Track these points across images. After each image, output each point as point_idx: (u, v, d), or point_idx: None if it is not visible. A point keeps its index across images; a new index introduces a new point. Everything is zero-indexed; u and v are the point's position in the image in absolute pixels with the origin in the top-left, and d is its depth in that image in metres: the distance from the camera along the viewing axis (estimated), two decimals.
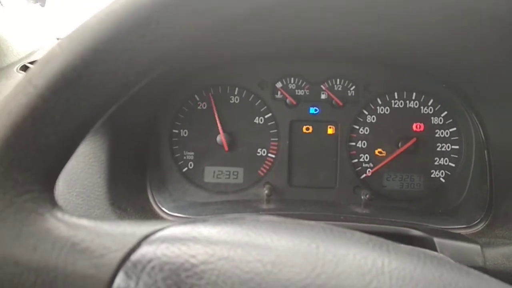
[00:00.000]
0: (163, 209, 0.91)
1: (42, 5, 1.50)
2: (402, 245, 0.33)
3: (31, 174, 0.32)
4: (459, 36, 0.76)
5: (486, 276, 0.32)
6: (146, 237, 0.31)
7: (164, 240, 0.31)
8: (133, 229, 0.32)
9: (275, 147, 1.03)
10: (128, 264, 0.29)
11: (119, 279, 0.29)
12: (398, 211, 0.97)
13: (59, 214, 0.32)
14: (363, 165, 1.02)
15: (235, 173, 1.03)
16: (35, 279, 0.29)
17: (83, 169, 0.79)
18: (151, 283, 0.28)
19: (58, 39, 1.38)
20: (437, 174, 1.01)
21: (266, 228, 0.33)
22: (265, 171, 1.03)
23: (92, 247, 0.30)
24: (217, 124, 1.01)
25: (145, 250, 0.30)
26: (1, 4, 1.10)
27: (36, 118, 0.32)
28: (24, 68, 1.10)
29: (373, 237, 0.33)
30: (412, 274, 0.29)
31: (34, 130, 0.32)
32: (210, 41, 0.74)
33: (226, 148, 1.01)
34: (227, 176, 1.03)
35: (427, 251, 0.61)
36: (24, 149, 0.32)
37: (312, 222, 0.35)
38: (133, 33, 0.33)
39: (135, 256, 0.29)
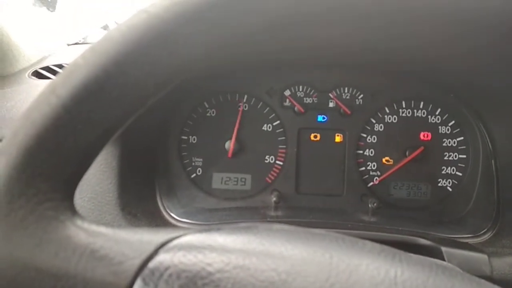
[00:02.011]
0: (172, 214, 0.91)
1: (52, 10, 1.52)
2: (414, 255, 0.34)
3: (53, 182, 0.33)
4: (469, 49, 0.77)
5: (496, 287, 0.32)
6: (163, 244, 0.32)
7: (181, 248, 0.31)
8: (150, 237, 0.32)
9: (283, 155, 1.04)
10: (146, 271, 0.30)
11: (137, 286, 0.29)
12: (405, 219, 0.97)
13: (79, 222, 0.33)
14: (371, 173, 1.03)
15: (243, 180, 1.04)
16: (55, 285, 0.30)
17: (95, 175, 0.80)
18: None
19: (68, 44, 1.40)
20: (444, 183, 1.02)
21: (279, 237, 0.33)
22: (273, 178, 1.04)
23: (111, 254, 0.31)
24: (231, 131, 1.02)
25: (163, 258, 0.31)
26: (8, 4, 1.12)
27: (59, 128, 0.33)
28: (36, 73, 1.12)
29: (385, 247, 0.34)
30: (425, 285, 0.29)
31: (56, 140, 0.33)
32: (225, 53, 0.75)
33: (230, 154, 1.01)
34: (235, 183, 1.04)
35: (438, 261, 0.61)
36: (46, 158, 0.33)
37: (323, 231, 0.35)
38: (154, 46, 0.34)
39: (152, 264, 0.30)
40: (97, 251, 0.31)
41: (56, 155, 0.33)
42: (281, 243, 0.32)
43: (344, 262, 0.30)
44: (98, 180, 0.80)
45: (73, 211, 0.34)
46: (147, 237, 0.32)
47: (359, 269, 0.30)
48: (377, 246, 0.34)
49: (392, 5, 0.44)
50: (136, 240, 0.32)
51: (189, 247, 0.31)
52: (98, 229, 0.33)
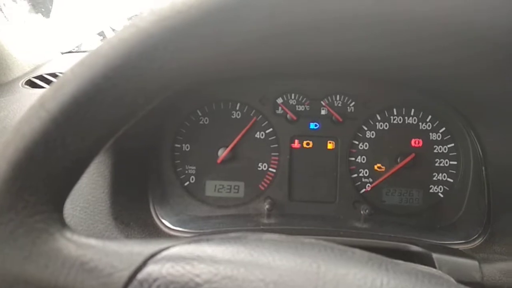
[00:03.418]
0: (165, 223, 0.91)
1: (47, 16, 1.53)
2: (401, 263, 0.34)
3: (42, 195, 0.33)
4: (459, 59, 0.78)
5: None
6: (152, 256, 0.32)
7: (170, 259, 0.32)
8: (139, 248, 0.33)
9: (276, 162, 1.04)
10: (135, 282, 0.30)
11: None
12: (397, 226, 0.97)
13: (68, 234, 0.34)
14: (363, 180, 1.04)
15: (236, 187, 1.04)
16: None
17: (87, 184, 0.80)
18: None
19: (62, 53, 1.40)
20: (436, 190, 1.03)
21: (268, 247, 0.34)
22: (266, 185, 1.04)
23: (100, 266, 0.31)
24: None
25: (151, 269, 0.31)
26: (7, 19, 1.12)
27: (48, 142, 0.33)
28: (30, 82, 1.12)
29: (373, 256, 0.34)
30: None
31: (46, 153, 0.33)
32: (215, 65, 0.76)
33: (219, 160, 1.02)
34: (228, 190, 1.04)
35: (426, 269, 0.62)
36: (36, 171, 0.33)
37: (313, 241, 0.36)
38: (142, 60, 0.35)
39: (141, 275, 0.31)
40: (86, 263, 0.31)
41: (45, 168, 0.33)
42: (270, 253, 0.33)
43: (332, 271, 0.31)
44: (90, 190, 0.80)
45: (62, 224, 0.34)
46: (136, 249, 0.33)
47: (346, 279, 0.30)
48: (365, 255, 0.34)
49: (383, 17, 0.44)
50: (125, 251, 0.32)
51: (177, 258, 0.32)
52: (88, 241, 0.33)
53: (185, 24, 0.35)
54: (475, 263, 0.76)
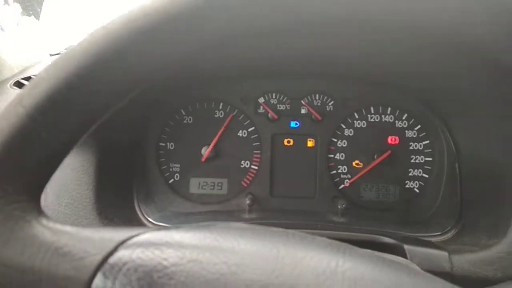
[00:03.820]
0: (149, 219, 0.94)
1: (37, 18, 1.55)
2: (359, 249, 0.36)
3: (20, 185, 0.36)
4: (432, 60, 0.81)
5: (433, 277, 0.35)
6: (123, 242, 0.34)
7: (140, 245, 0.33)
8: (111, 235, 0.35)
9: (258, 159, 1.08)
10: (106, 266, 0.32)
11: (98, 279, 0.32)
12: (373, 220, 1.01)
13: (44, 221, 0.36)
14: (341, 176, 1.07)
15: (220, 184, 1.07)
16: (22, 279, 0.32)
17: (72, 181, 0.83)
18: (126, 283, 0.31)
19: (51, 55, 1.42)
20: (412, 185, 1.06)
21: (233, 233, 0.36)
22: (248, 182, 1.08)
23: (74, 251, 0.33)
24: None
25: (122, 254, 0.33)
26: (2, 29, 1.15)
27: (25, 136, 0.35)
28: (18, 84, 1.14)
29: (332, 242, 0.36)
30: (363, 274, 0.32)
31: (23, 147, 0.35)
32: (186, 64, 0.79)
33: (203, 159, 1.05)
34: (212, 187, 1.07)
35: (389, 256, 0.64)
36: (14, 163, 0.35)
37: (276, 229, 0.37)
38: (112, 60, 0.37)
39: (112, 259, 0.32)
40: (61, 248, 0.33)
41: (22, 160, 0.36)
42: (234, 239, 0.35)
43: (290, 255, 0.33)
44: (75, 186, 0.82)
45: (39, 211, 0.37)
46: (108, 235, 0.35)
47: (303, 262, 0.32)
48: (325, 240, 0.36)
49: (358, 21, 0.47)
50: (98, 238, 0.34)
51: (147, 244, 0.34)
52: (63, 228, 0.35)
53: (152, 26, 0.38)
54: (445, 254, 0.78)
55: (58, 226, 0.36)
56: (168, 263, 0.32)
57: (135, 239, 0.34)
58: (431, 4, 0.39)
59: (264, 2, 0.40)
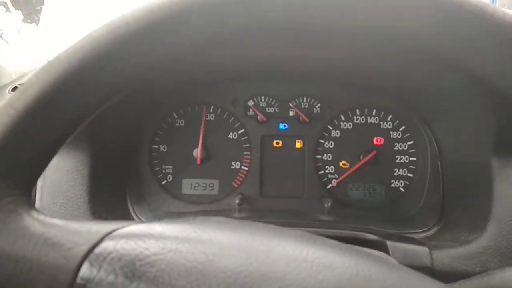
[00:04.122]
0: (142, 219, 0.97)
1: (37, 24, 1.58)
2: (330, 240, 0.38)
3: (12, 181, 0.38)
4: (409, 65, 0.85)
5: (400, 266, 0.37)
6: (108, 233, 0.36)
7: (124, 236, 0.35)
8: (97, 227, 0.37)
9: (248, 160, 1.11)
10: (92, 255, 0.34)
11: (84, 267, 0.34)
12: (359, 218, 1.03)
13: (34, 214, 0.38)
14: (329, 176, 1.10)
15: (211, 185, 1.11)
16: (14, 267, 0.35)
17: (66, 181, 0.86)
18: (110, 271, 0.33)
19: (48, 60, 1.46)
20: (397, 184, 1.10)
21: (212, 225, 0.38)
22: (238, 182, 1.11)
23: (62, 241, 0.35)
24: (197, 139, 1.10)
25: (107, 244, 0.35)
26: (1, 37, 1.18)
27: (16, 135, 0.38)
28: (15, 89, 1.18)
29: (305, 233, 0.38)
30: (331, 262, 0.33)
31: (15, 145, 0.38)
32: (177, 68, 0.82)
33: (198, 162, 1.09)
34: (204, 188, 1.11)
35: (366, 249, 0.66)
36: (7, 160, 0.38)
37: (253, 222, 0.40)
38: (96, 66, 0.40)
39: (98, 249, 0.34)
40: (50, 239, 0.35)
41: (14, 158, 0.38)
42: (212, 230, 0.37)
43: (264, 244, 0.35)
44: (69, 187, 0.85)
45: (30, 205, 0.39)
46: (95, 228, 0.37)
47: (276, 250, 0.34)
48: (298, 232, 0.38)
49: (337, 29, 0.49)
50: (85, 230, 0.37)
51: (130, 235, 0.36)
52: (52, 221, 0.38)
53: (132, 34, 0.41)
54: (426, 249, 0.80)
55: (48, 219, 0.38)
56: (149, 253, 0.34)
57: (119, 231, 0.36)
58: (388, 13, 0.42)
59: (247, 11, 0.43)
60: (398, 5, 0.41)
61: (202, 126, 1.10)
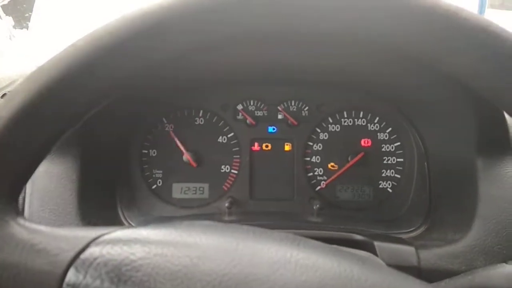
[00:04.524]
0: (132, 223, 0.98)
1: (27, 28, 1.57)
2: (314, 241, 0.39)
3: None
4: (397, 67, 0.86)
5: (384, 266, 0.38)
6: (94, 239, 0.36)
7: (109, 241, 0.36)
8: (83, 233, 0.37)
9: (238, 164, 1.12)
10: (78, 261, 0.34)
11: (70, 273, 0.34)
12: (348, 219, 1.05)
13: (21, 221, 0.38)
14: (318, 178, 1.12)
15: (201, 189, 1.11)
16: (2, 274, 0.35)
17: (56, 188, 0.86)
18: (96, 276, 0.33)
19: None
20: (385, 185, 1.11)
21: (197, 230, 0.38)
22: (228, 186, 1.12)
23: (48, 248, 0.35)
24: (181, 144, 1.11)
25: (93, 250, 0.35)
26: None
27: (2, 145, 0.38)
28: (4, 96, 1.18)
29: (290, 235, 0.38)
30: (314, 263, 0.34)
31: (0, 154, 0.39)
32: (157, 75, 0.83)
33: (194, 164, 1.09)
34: (194, 192, 1.11)
35: (352, 250, 0.67)
36: None
37: (238, 225, 0.40)
38: (80, 75, 0.41)
39: (84, 255, 0.35)
40: (36, 245, 0.36)
41: (0, 167, 0.39)
42: (197, 234, 0.37)
43: (248, 247, 0.35)
44: (58, 193, 0.85)
45: (17, 213, 0.39)
46: (81, 234, 0.37)
47: (260, 253, 0.35)
48: (282, 234, 0.39)
49: (320, 34, 0.50)
50: (71, 236, 0.37)
51: (116, 241, 0.36)
52: (38, 227, 0.38)
53: (115, 44, 0.42)
54: (412, 249, 0.81)
55: (34, 226, 0.38)
56: (135, 257, 0.34)
57: (105, 237, 0.37)
58: (367, 17, 0.43)
59: (232, 19, 0.43)
60: (375, 9, 0.42)
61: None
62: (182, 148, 1.09)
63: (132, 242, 0.36)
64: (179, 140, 1.11)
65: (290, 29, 0.46)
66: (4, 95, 1.18)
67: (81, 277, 0.34)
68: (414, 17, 0.42)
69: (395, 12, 0.42)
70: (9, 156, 0.39)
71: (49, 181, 0.86)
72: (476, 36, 0.40)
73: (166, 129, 1.12)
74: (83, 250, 0.35)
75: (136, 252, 0.35)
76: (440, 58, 0.45)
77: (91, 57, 0.41)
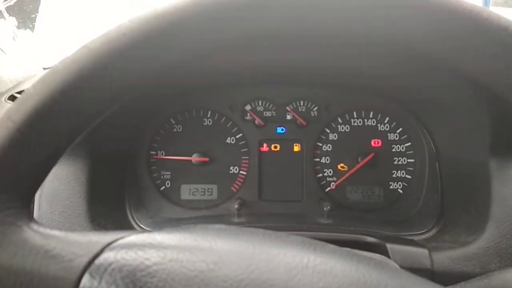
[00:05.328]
0: (141, 225, 0.97)
1: (32, 30, 1.58)
2: (330, 245, 0.38)
3: (12, 193, 0.38)
4: (409, 67, 0.85)
5: (401, 270, 0.37)
6: (108, 244, 0.36)
7: (124, 246, 0.35)
8: (97, 238, 0.37)
9: (246, 165, 1.11)
10: (93, 267, 0.34)
11: (85, 279, 0.33)
12: (358, 220, 1.04)
13: (35, 226, 0.38)
14: (327, 179, 1.11)
15: (210, 190, 1.11)
16: (15, 280, 0.34)
17: (65, 190, 0.86)
18: (111, 282, 0.33)
19: (44, 68, 1.46)
20: (395, 186, 1.10)
21: (212, 234, 0.38)
22: (237, 187, 1.11)
23: (62, 253, 0.35)
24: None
25: (107, 255, 0.35)
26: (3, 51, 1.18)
27: (15, 148, 0.38)
28: (12, 98, 1.17)
29: (306, 239, 0.38)
30: (332, 268, 0.34)
31: (13, 158, 0.38)
32: (173, 75, 0.82)
33: (206, 160, 1.09)
34: (202, 193, 1.11)
35: (360, 251, 0.66)
36: (5, 173, 0.38)
37: (253, 229, 0.39)
38: (93, 77, 0.40)
39: (98, 260, 0.34)
40: (50, 251, 0.35)
41: (13, 171, 0.38)
42: (212, 239, 0.37)
43: (265, 252, 0.35)
44: (68, 195, 0.85)
45: (30, 218, 0.39)
46: (95, 239, 0.37)
47: (277, 258, 0.34)
48: (298, 239, 0.38)
49: (332, 34, 0.49)
50: (85, 241, 0.36)
51: (131, 246, 0.36)
52: (52, 232, 0.38)
53: (129, 46, 0.41)
54: (425, 251, 0.80)
55: (48, 231, 0.38)
56: (150, 263, 0.34)
57: (120, 242, 0.36)
58: (382, 16, 0.42)
59: (245, 21, 0.42)
60: (392, 8, 0.41)
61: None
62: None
63: (147, 247, 0.35)
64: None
65: (304, 29, 0.45)
66: (11, 96, 1.18)
67: (96, 283, 0.33)
68: (434, 17, 0.41)
69: (414, 11, 0.41)
70: (21, 160, 0.39)
71: (58, 183, 0.86)
72: (498, 35, 0.39)
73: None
74: (97, 255, 0.35)
75: (151, 257, 0.34)
76: (459, 57, 0.44)
77: (105, 59, 0.40)
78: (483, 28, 0.40)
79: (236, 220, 1.03)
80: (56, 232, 0.38)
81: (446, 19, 0.41)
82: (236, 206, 1.05)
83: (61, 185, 0.86)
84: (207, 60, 0.84)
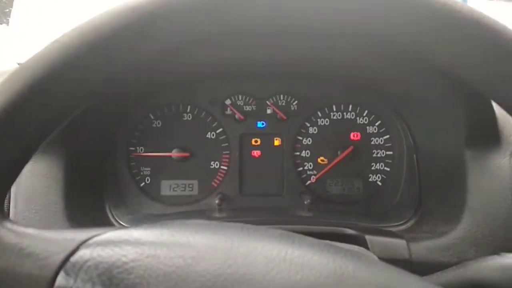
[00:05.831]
0: (120, 222, 0.96)
1: (7, 25, 1.54)
2: (309, 238, 0.38)
3: None
4: (386, 60, 0.86)
5: (378, 261, 0.37)
6: (84, 241, 0.35)
7: (100, 243, 0.35)
8: (73, 235, 0.36)
9: (227, 160, 1.11)
10: (68, 264, 0.33)
11: (60, 277, 0.33)
12: (338, 213, 1.05)
13: (8, 225, 0.37)
14: (308, 172, 1.11)
15: (190, 186, 1.10)
16: None
17: (41, 187, 0.84)
18: (87, 279, 0.32)
19: (18, 64, 1.42)
20: (374, 178, 1.11)
21: (189, 229, 0.37)
22: (218, 182, 1.10)
23: (37, 251, 0.34)
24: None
25: (83, 252, 0.34)
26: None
27: None
28: None
29: (284, 232, 0.38)
30: (309, 261, 0.33)
31: None
32: (151, 69, 0.81)
33: (187, 155, 1.09)
34: (183, 189, 1.10)
35: (339, 244, 0.67)
36: None
37: (231, 223, 0.39)
38: (65, 71, 0.40)
39: (74, 258, 0.34)
40: (24, 249, 0.35)
41: None
42: (190, 234, 0.37)
43: (243, 246, 0.35)
44: (44, 193, 0.83)
45: (3, 216, 0.38)
46: (70, 236, 0.36)
47: (255, 251, 0.34)
48: (277, 231, 0.38)
49: (310, 29, 0.49)
50: (60, 238, 0.36)
51: (107, 242, 0.35)
52: (26, 230, 0.37)
53: (100, 39, 0.40)
54: (403, 242, 0.82)
55: (22, 229, 0.37)
56: (127, 259, 0.33)
57: (96, 238, 0.36)
58: (358, 11, 0.43)
59: (219, 15, 0.42)
60: (369, 3, 0.42)
61: None
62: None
63: (124, 243, 0.35)
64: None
65: (281, 22, 0.45)
66: None
67: (71, 280, 0.33)
68: (408, 10, 0.41)
69: (389, 3, 0.41)
70: None
71: (33, 181, 0.84)
72: (470, 28, 0.40)
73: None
74: (73, 252, 0.34)
75: (128, 254, 0.34)
76: (433, 50, 0.45)
77: (76, 53, 0.40)
78: (455, 22, 0.40)
79: (217, 215, 1.03)
80: (30, 230, 0.37)
81: (421, 12, 0.41)
82: (217, 201, 1.04)
83: (37, 182, 0.84)
84: (186, 54, 0.83)
